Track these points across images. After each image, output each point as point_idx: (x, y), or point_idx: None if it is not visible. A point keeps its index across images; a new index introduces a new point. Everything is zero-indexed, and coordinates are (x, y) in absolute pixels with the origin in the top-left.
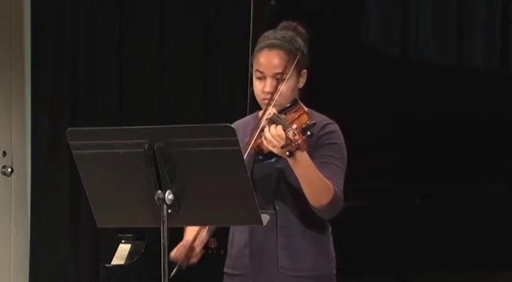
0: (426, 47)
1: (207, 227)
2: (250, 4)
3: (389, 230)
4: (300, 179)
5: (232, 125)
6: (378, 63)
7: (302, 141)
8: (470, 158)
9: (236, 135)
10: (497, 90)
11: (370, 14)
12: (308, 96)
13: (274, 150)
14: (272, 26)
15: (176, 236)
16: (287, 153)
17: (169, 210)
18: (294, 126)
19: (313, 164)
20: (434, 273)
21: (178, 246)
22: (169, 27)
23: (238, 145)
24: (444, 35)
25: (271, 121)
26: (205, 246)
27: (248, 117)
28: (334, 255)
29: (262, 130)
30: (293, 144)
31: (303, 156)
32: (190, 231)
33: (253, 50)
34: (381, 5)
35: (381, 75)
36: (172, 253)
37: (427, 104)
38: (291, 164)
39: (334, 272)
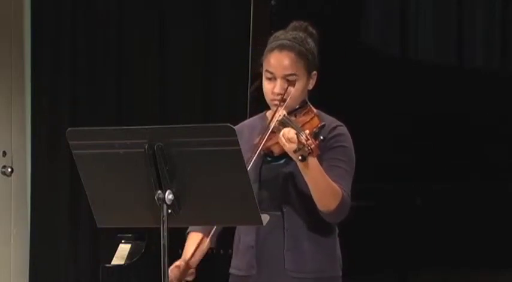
0: (426, 47)
1: (207, 241)
2: (250, 4)
3: (390, 230)
4: (308, 184)
5: (237, 126)
6: (377, 63)
7: (315, 146)
8: (470, 158)
9: (236, 135)
10: (497, 90)
11: (370, 14)
12: (307, 96)
13: (289, 153)
14: (272, 26)
15: (176, 236)
16: (299, 157)
17: (169, 210)
18: (307, 131)
19: (322, 168)
20: (434, 273)
21: (172, 267)
22: (169, 27)
23: (238, 145)
24: (444, 35)
25: (282, 124)
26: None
27: (255, 118)
28: (340, 257)
29: (273, 132)
30: (306, 149)
31: (313, 161)
32: (190, 248)
33: (253, 50)
34: (380, 5)
35: (380, 75)
36: None
37: (427, 104)
38: (300, 169)
39: (340, 274)
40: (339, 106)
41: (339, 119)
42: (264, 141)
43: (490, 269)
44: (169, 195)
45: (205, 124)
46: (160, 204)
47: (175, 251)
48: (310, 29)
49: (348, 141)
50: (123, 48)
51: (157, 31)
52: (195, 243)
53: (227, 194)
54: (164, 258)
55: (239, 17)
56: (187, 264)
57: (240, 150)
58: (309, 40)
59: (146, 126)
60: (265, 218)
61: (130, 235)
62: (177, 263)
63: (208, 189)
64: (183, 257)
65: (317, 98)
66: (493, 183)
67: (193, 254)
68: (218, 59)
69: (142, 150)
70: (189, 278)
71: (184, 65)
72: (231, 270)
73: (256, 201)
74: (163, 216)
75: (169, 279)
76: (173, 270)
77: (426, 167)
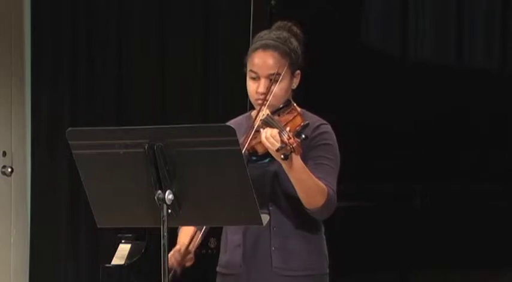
0: (426, 47)
1: (202, 229)
2: (250, 4)
3: (389, 230)
4: (293, 182)
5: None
6: (377, 63)
7: (297, 144)
8: (470, 158)
9: (236, 135)
10: (497, 90)
11: (370, 14)
12: (308, 96)
13: (271, 153)
14: (272, 26)
15: (176, 235)
16: (282, 156)
17: (169, 210)
18: (288, 128)
19: (305, 167)
20: (434, 273)
21: (173, 252)
22: (169, 27)
23: (238, 145)
24: (444, 35)
25: (265, 123)
26: (200, 247)
27: (240, 117)
28: (327, 255)
29: (257, 131)
30: (288, 148)
31: (296, 160)
32: (185, 235)
33: None
34: (381, 5)
35: (380, 75)
36: None
37: (427, 104)
38: (284, 168)
39: (327, 271)
40: (338, 106)
41: (338, 118)
42: (249, 140)
43: (490, 269)
44: (169, 195)
45: (205, 124)
46: (160, 204)
47: None
48: (295, 28)
49: (332, 139)
50: (123, 48)
51: (157, 31)
52: (189, 232)
53: (227, 194)
54: (164, 258)
55: (239, 17)
56: (186, 249)
57: (240, 150)
58: (293, 40)
59: (146, 126)
60: (265, 218)
61: (130, 235)
62: (177, 247)
63: (208, 189)
64: (179, 243)
65: (317, 97)
66: (493, 183)
67: (190, 241)
68: (218, 59)
69: (142, 150)
70: (188, 263)
71: (184, 65)
72: (218, 269)
73: (256, 201)
74: (163, 216)
75: (170, 263)
76: (174, 254)
77: (426, 167)
